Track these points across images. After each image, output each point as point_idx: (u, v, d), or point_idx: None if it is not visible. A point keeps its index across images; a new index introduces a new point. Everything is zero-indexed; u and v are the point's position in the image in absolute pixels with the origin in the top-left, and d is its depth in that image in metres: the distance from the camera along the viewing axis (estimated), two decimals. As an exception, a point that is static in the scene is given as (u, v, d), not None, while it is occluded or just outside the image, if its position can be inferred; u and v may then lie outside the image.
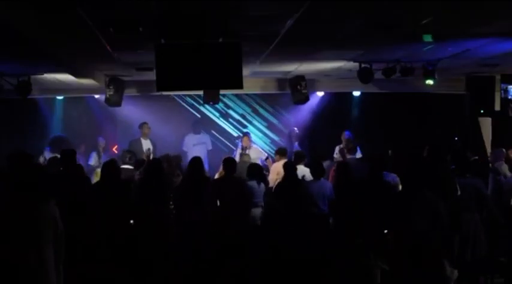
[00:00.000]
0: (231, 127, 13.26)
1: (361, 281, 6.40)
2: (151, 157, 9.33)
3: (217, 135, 13.01)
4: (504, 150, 8.76)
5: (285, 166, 7.84)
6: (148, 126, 11.22)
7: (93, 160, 11.03)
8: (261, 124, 13.37)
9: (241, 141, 11.09)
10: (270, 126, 13.38)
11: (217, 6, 5.60)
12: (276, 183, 8.15)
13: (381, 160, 7.10)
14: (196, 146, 11.68)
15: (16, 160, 5.13)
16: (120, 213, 6.65)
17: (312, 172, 7.80)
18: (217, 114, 13.22)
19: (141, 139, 11.04)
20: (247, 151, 10.38)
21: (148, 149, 9.90)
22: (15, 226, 3.99)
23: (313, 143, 12.16)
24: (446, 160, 7.60)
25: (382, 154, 7.99)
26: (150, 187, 7.16)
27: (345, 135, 10.88)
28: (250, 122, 13.30)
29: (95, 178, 8.38)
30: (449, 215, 5.42)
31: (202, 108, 13.00)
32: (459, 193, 6.81)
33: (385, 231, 5.76)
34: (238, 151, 10.90)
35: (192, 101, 13.01)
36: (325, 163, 9.27)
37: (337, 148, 10.85)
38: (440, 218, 5.12)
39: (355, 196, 6.66)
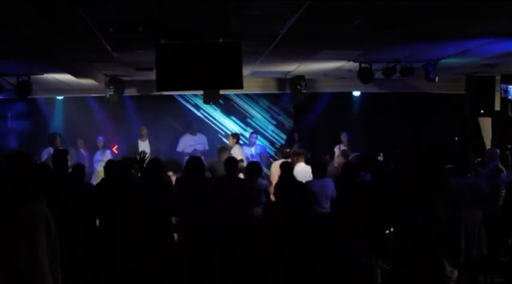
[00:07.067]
0: (235, 125, 13.23)
1: (361, 281, 6.39)
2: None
3: (218, 134, 12.99)
4: (498, 150, 8.70)
5: (281, 167, 7.82)
6: (146, 128, 11.25)
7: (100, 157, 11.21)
8: (263, 123, 13.35)
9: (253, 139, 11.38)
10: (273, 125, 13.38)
11: (217, 6, 5.60)
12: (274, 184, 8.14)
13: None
14: (192, 147, 11.63)
15: (9, 160, 5.08)
16: (123, 214, 6.64)
17: (313, 171, 7.78)
18: (218, 112, 13.18)
19: (139, 141, 11.06)
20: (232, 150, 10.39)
21: (144, 151, 9.92)
22: (8, 226, 3.98)
23: (313, 143, 12.16)
24: (436, 158, 7.56)
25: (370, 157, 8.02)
26: (149, 188, 7.15)
27: (344, 135, 10.94)
28: (253, 121, 13.29)
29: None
30: (447, 213, 5.41)
31: (207, 107, 12.87)
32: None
33: (386, 231, 5.76)
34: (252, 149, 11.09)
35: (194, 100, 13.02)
36: (332, 164, 9.32)
37: (336, 150, 10.89)
38: (440, 216, 5.12)
39: (357, 196, 6.65)
